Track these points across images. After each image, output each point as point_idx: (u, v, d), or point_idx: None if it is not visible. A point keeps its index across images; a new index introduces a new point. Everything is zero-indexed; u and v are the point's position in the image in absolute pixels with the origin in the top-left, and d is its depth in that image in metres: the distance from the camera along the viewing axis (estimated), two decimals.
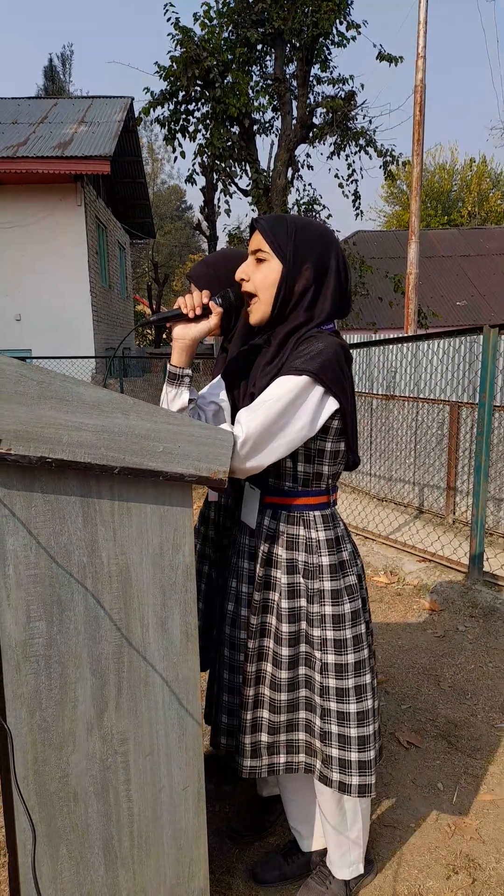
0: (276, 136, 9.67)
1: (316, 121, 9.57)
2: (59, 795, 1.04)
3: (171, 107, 9.09)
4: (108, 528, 1.02)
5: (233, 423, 1.30)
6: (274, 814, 1.79)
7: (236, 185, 9.64)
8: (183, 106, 9.13)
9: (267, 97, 9.27)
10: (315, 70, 9.51)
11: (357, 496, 5.61)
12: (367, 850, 1.57)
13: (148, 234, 19.11)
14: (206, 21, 8.75)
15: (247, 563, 1.43)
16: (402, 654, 2.80)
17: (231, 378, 1.43)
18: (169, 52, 8.72)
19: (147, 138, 30.47)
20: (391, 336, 5.23)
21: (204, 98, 8.95)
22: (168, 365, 1.34)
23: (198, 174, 9.92)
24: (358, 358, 5.99)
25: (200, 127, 9.23)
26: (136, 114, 9.45)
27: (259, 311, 1.31)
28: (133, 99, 14.05)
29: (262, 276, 1.28)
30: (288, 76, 9.41)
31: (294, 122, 9.43)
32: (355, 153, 9.71)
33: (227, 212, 10.74)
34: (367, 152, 9.64)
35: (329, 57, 9.37)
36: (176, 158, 19.80)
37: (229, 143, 9.04)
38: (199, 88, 8.89)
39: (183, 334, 1.32)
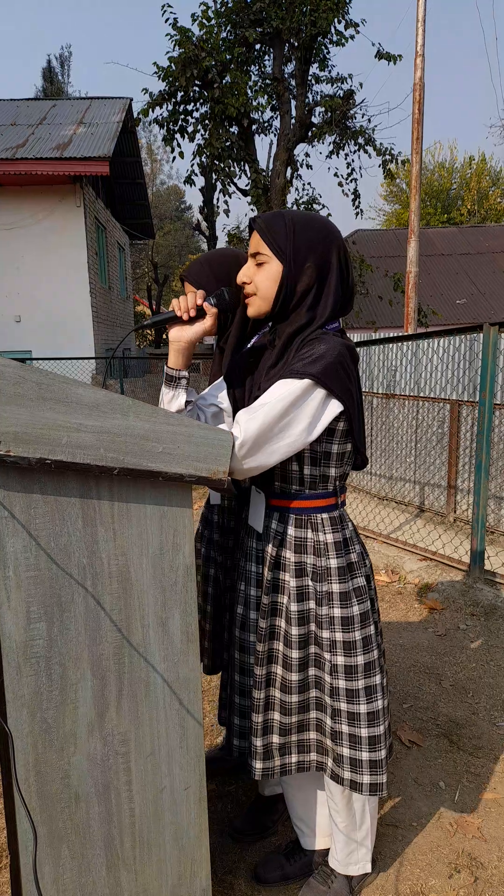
0: (275, 135, 9.69)
1: (315, 120, 9.59)
2: (60, 797, 1.04)
3: (170, 107, 9.11)
4: (107, 528, 1.02)
5: None
6: (276, 814, 1.79)
7: (235, 185, 9.64)
8: (181, 106, 9.14)
9: (266, 97, 9.29)
10: (314, 69, 9.54)
11: (358, 495, 5.61)
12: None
13: (147, 234, 19.10)
14: (205, 21, 8.76)
15: (254, 567, 1.42)
16: (404, 653, 2.80)
17: (234, 380, 1.42)
18: (167, 52, 8.73)
19: (146, 139, 30.55)
20: (391, 335, 5.23)
21: (202, 98, 8.96)
22: (165, 367, 1.34)
23: (197, 174, 9.93)
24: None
25: (199, 127, 9.24)
26: (135, 114, 9.47)
27: (256, 306, 1.31)
28: (132, 100, 14.07)
29: (262, 279, 1.28)
30: (286, 75, 9.42)
31: (293, 121, 9.44)
32: (354, 152, 9.73)
33: (227, 212, 10.74)
34: (366, 151, 9.66)
35: (328, 56, 9.39)
36: (175, 159, 19.85)
37: (228, 143, 9.05)
38: (197, 89, 8.90)
39: (179, 337, 1.32)
